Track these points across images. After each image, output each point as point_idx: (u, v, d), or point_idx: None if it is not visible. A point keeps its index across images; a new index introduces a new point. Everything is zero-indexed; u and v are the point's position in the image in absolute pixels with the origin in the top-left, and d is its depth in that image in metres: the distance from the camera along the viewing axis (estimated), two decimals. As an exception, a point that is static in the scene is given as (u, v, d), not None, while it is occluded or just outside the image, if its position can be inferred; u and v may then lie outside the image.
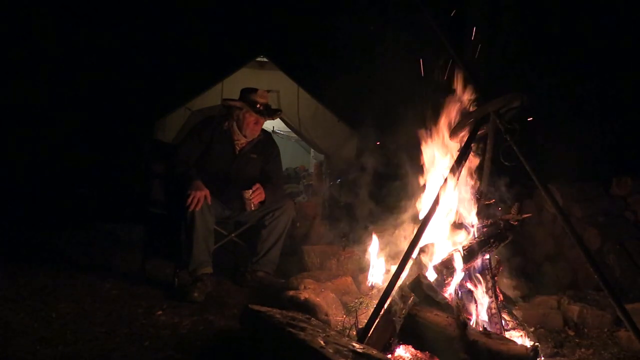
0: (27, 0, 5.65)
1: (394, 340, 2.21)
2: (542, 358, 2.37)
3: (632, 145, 4.35)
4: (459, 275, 2.47)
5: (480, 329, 2.34)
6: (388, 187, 4.10)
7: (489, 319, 2.41)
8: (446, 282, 2.47)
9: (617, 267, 3.35)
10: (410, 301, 2.26)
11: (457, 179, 2.50)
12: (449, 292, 2.46)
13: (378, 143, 4.18)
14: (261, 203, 3.46)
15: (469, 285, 2.49)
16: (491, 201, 2.73)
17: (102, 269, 3.64)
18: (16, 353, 2.24)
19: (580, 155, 4.10)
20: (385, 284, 2.27)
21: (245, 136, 3.56)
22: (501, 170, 2.57)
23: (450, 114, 2.70)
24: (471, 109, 2.59)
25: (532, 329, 2.60)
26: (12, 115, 5.50)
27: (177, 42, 5.77)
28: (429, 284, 2.36)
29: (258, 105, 3.47)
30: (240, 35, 5.85)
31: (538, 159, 2.39)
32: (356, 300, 2.94)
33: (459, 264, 2.45)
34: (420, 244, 2.40)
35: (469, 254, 2.46)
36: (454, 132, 2.59)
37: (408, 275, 2.44)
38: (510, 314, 2.53)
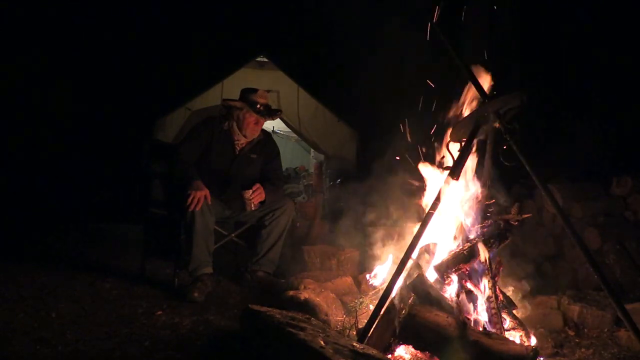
0: None
1: (394, 340, 2.21)
2: (542, 358, 2.37)
3: (632, 145, 4.35)
4: (459, 275, 2.47)
5: (480, 329, 2.34)
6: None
7: (489, 319, 2.41)
8: (446, 282, 2.47)
9: (617, 267, 3.35)
10: (410, 301, 2.26)
11: (458, 179, 2.50)
12: (449, 292, 2.46)
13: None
14: (261, 203, 3.46)
15: (469, 285, 2.49)
16: (491, 201, 2.73)
17: (102, 269, 3.64)
18: (16, 353, 2.24)
19: (580, 155, 4.09)
20: (385, 284, 2.27)
21: (245, 136, 3.56)
22: (501, 170, 2.57)
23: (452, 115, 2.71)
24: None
25: (532, 329, 2.60)
26: (12, 114, 5.50)
27: (178, 42, 5.77)
28: (429, 284, 2.36)
29: (258, 106, 3.47)
30: (240, 35, 5.84)
31: (538, 159, 2.38)
32: (356, 300, 2.94)
33: (459, 264, 2.45)
34: (421, 243, 2.40)
35: (469, 254, 2.46)
36: (454, 132, 2.59)
37: (408, 275, 2.44)
38: (510, 314, 2.53)
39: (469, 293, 2.48)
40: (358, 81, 5.67)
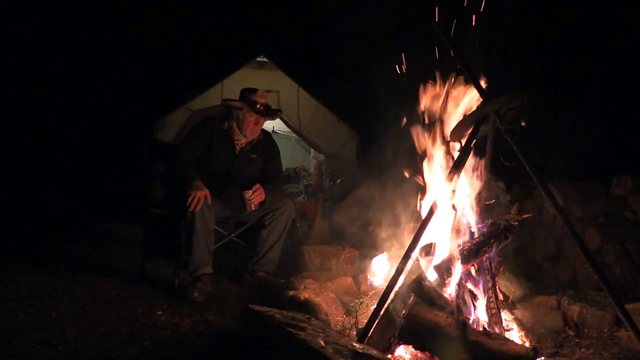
0: None
1: (394, 340, 2.21)
2: (542, 358, 2.37)
3: (632, 145, 4.34)
4: (459, 275, 2.47)
5: (480, 329, 2.34)
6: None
7: (489, 319, 2.41)
8: (446, 282, 2.47)
9: (617, 267, 3.35)
10: (410, 301, 2.26)
11: (457, 180, 2.50)
12: (449, 292, 2.46)
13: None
14: (261, 203, 3.46)
15: (469, 285, 2.49)
16: (491, 201, 2.73)
17: (102, 269, 3.64)
18: (16, 353, 2.24)
19: (580, 155, 4.09)
20: (385, 284, 2.27)
21: (245, 136, 3.56)
22: (501, 170, 2.57)
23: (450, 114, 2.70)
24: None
25: (532, 329, 2.60)
26: (12, 115, 5.50)
27: (178, 42, 5.77)
28: (429, 284, 2.36)
29: (258, 106, 3.47)
30: (240, 35, 5.84)
31: (538, 159, 2.39)
32: (356, 300, 2.94)
33: (459, 264, 2.45)
34: (421, 243, 2.40)
35: (469, 254, 2.46)
36: (454, 132, 2.59)
37: (408, 275, 2.44)
38: (510, 313, 2.53)
39: (469, 293, 2.49)
40: (358, 81, 5.67)
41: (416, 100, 2.77)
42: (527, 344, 2.30)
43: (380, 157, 4.22)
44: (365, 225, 4.31)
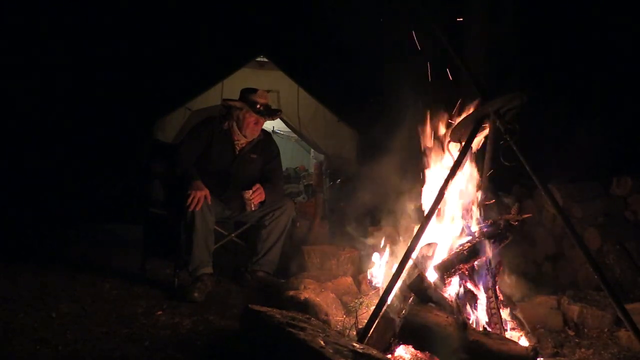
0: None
1: (394, 340, 2.21)
2: (542, 358, 2.37)
3: (632, 145, 4.35)
4: (459, 275, 2.47)
5: (480, 329, 2.34)
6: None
7: (489, 319, 2.41)
8: (446, 282, 2.47)
9: (617, 267, 3.35)
10: (410, 301, 2.26)
11: (457, 180, 2.50)
12: (449, 292, 2.46)
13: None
14: (261, 203, 3.46)
15: (469, 285, 2.49)
16: (491, 201, 2.73)
17: (102, 269, 3.64)
18: (16, 353, 2.24)
19: (580, 155, 4.10)
20: (385, 284, 2.27)
21: (245, 136, 3.56)
22: (501, 171, 2.57)
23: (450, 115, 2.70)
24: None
25: (532, 329, 2.60)
26: (12, 115, 5.50)
27: (178, 42, 5.77)
28: (429, 284, 2.36)
29: (258, 106, 3.47)
30: (240, 35, 5.85)
31: (538, 159, 2.39)
32: (356, 300, 2.94)
33: (459, 264, 2.45)
34: (421, 243, 2.40)
35: (469, 254, 2.46)
36: (454, 132, 2.59)
37: (408, 275, 2.44)
38: (510, 314, 2.53)
39: (469, 293, 2.49)
40: (358, 81, 5.68)
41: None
42: (527, 344, 2.30)
43: (381, 157, 4.22)
44: (365, 225, 4.31)
